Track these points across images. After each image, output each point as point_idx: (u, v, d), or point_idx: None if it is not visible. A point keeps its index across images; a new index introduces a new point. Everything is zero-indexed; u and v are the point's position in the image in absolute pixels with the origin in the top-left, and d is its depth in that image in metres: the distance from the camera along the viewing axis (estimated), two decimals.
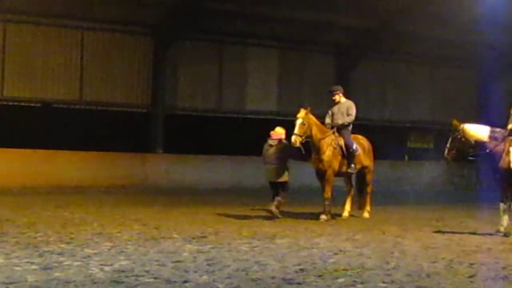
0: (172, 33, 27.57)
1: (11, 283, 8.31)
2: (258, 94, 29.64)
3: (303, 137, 16.28)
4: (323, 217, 16.58)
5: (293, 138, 16.19)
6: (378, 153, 23.34)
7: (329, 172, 16.69)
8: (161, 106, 27.63)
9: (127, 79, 27.18)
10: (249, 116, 29.55)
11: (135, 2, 26.17)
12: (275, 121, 26.94)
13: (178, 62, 28.05)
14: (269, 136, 16.93)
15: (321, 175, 16.85)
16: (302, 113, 16.35)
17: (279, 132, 16.82)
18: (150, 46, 27.55)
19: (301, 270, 9.69)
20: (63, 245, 11.34)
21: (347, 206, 17.56)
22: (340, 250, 11.66)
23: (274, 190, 16.89)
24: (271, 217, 16.65)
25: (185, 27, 27.43)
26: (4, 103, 25.22)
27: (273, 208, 16.60)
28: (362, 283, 8.93)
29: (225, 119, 29.12)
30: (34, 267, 9.39)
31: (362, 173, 17.70)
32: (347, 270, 9.75)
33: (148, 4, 26.35)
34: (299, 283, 8.82)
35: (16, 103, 25.39)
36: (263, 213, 17.81)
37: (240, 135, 28.16)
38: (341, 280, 9.08)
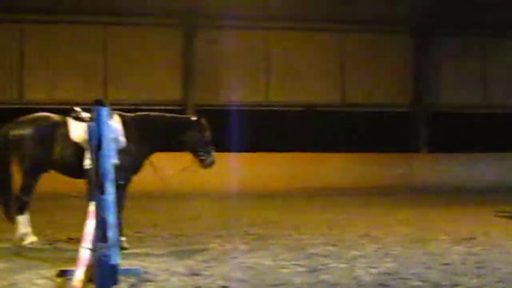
0: (432, 30, 26.95)
1: (278, 285, 8.39)
2: None
3: None
4: None
5: None
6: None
7: None
8: (424, 104, 27.11)
9: (388, 79, 26.93)
10: None
11: (392, 1, 25.88)
12: None
13: (440, 59, 27.35)
14: None
15: None
16: None
17: None
18: (410, 44, 27.12)
19: None
20: (329, 247, 11.34)
21: None
22: None
23: None
24: None
25: (445, 22, 26.68)
26: (267, 108, 25.95)
27: None
28: None
29: (491, 114, 27.94)
30: (300, 269, 9.44)
31: None
32: None
33: (405, 2, 25.96)
34: None
35: (279, 108, 26.04)
36: None
37: (507, 131, 26.89)
38: None
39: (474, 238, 12.38)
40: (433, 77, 27.31)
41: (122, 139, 10.79)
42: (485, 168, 25.89)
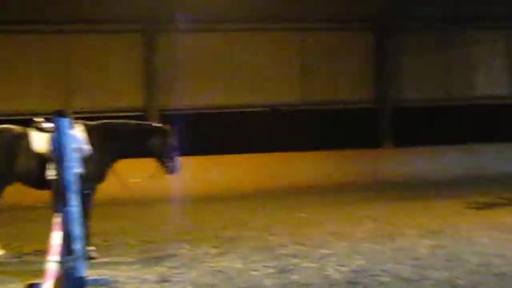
0: (393, 25, 27.06)
1: None
2: (488, 80, 28.34)
3: None
4: None
5: None
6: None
7: None
8: (387, 100, 27.23)
9: (350, 76, 27.01)
10: (478, 102, 28.32)
11: None
12: (506, 106, 25.75)
13: (401, 53, 27.47)
14: None
15: None
16: None
17: None
18: (370, 40, 27.21)
19: None
20: (298, 247, 11.35)
21: None
22: None
23: None
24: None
25: (405, 16, 26.77)
26: (231, 110, 25.88)
27: None
28: None
29: (454, 107, 28.11)
30: (270, 270, 9.43)
31: None
32: None
33: None
34: None
35: (242, 109, 25.96)
36: (502, 202, 17.02)
37: (471, 123, 27.12)
38: None
39: (442, 231, 12.45)
40: (394, 72, 27.44)
41: (86, 147, 10.71)
42: (449, 161, 26.09)
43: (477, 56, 28.28)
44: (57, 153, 7.17)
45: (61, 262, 7.08)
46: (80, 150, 10.18)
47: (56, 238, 7.42)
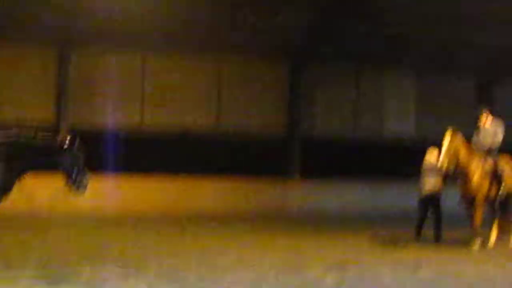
0: (307, 57, 27.37)
1: None
2: (396, 118, 29.02)
3: (451, 160, 15.58)
4: (475, 244, 15.76)
5: (441, 161, 15.56)
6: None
7: (479, 197, 15.86)
8: (297, 131, 27.49)
9: (263, 105, 27.19)
10: (386, 140, 28.90)
11: (267, 28, 26.06)
12: (413, 145, 26.48)
13: (314, 86, 27.84)
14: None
15: (469, 200, 16.01)
16: (449, 135, 15.64)
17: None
18: (285, 71, 27.51)
19: None
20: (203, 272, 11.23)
21: (494, 233, 16.64)
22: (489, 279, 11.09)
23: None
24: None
25: (323, 50, 27.04)
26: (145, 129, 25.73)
27: None
28: None
29: (362, 143, 28.56)
30: None
31: (507, 198, 16.62)
32: None
33: (280, 28, 26.18)
34: None
35: (154, 132, 25.81)
36: (404, 239, 17.28)
37: (378, 160, 27.57)
38: None
39: (346, 265, 12.49)
40: (306, 104, 27.73)
41: None
42: (357, 196, 26.49)
43: (387, 95, 28.96)
44: None
45: None
46: None
47: None
